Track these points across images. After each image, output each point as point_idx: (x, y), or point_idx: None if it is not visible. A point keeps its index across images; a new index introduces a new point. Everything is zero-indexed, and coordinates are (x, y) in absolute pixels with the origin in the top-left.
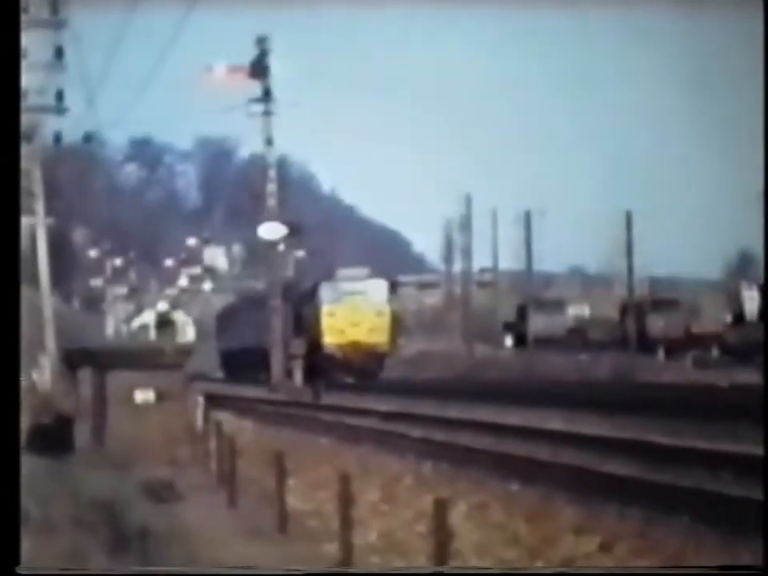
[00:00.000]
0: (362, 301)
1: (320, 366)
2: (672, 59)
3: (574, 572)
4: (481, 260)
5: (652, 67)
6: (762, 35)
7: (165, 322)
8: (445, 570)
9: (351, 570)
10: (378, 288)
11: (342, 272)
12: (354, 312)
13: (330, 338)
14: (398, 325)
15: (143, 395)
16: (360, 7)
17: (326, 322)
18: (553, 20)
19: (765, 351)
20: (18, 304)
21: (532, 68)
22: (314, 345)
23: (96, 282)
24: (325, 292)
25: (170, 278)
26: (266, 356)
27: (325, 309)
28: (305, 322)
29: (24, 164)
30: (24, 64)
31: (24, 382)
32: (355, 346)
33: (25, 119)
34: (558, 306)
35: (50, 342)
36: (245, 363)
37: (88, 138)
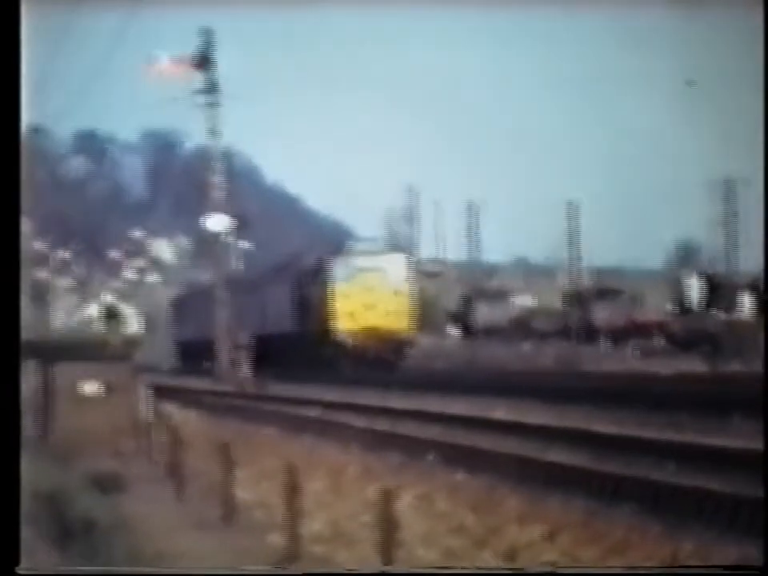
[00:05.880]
0: (378, 279)
1: (327, 356)
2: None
3: (575, 572)
4: (425, 251)
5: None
6: (762, 35)
7: (111, 314)
8: (443, 570)
9: (350, 571)
10: (396, 263)
11: (355, 245)
12: (369, 292)
13: (339, 323)
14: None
15: (89, 387)
16: (311, 3)
17: (338, 304)
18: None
19: (766, 346)
20: (18, 305)
21: (475, 60)
22: (321, 331)
23: (41, 274)
24: (338, 269)
25: (115, 270)
26: (213, 347)
27: (338, 289)
28: (309, 304)
29: None
30: None
31: None
32: (370, 332)
33: None
34: (502, 296)
35: None
36: (196, 354)
37: (34, 130)
